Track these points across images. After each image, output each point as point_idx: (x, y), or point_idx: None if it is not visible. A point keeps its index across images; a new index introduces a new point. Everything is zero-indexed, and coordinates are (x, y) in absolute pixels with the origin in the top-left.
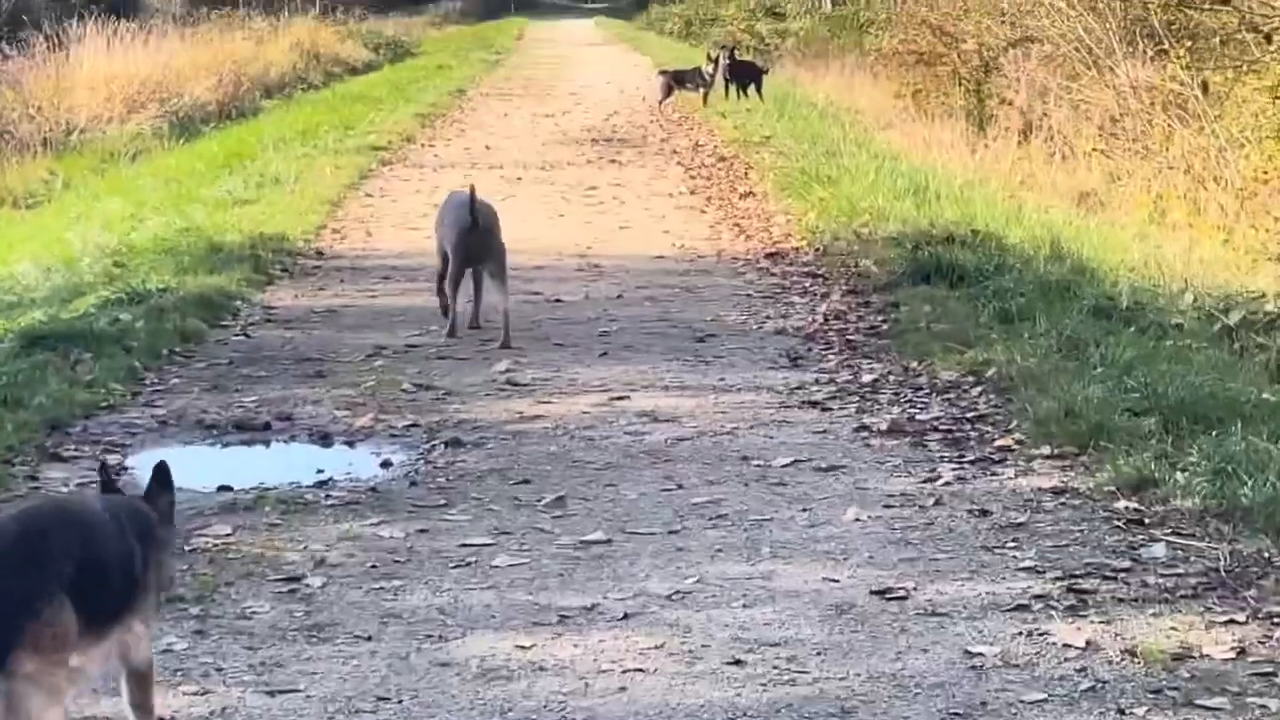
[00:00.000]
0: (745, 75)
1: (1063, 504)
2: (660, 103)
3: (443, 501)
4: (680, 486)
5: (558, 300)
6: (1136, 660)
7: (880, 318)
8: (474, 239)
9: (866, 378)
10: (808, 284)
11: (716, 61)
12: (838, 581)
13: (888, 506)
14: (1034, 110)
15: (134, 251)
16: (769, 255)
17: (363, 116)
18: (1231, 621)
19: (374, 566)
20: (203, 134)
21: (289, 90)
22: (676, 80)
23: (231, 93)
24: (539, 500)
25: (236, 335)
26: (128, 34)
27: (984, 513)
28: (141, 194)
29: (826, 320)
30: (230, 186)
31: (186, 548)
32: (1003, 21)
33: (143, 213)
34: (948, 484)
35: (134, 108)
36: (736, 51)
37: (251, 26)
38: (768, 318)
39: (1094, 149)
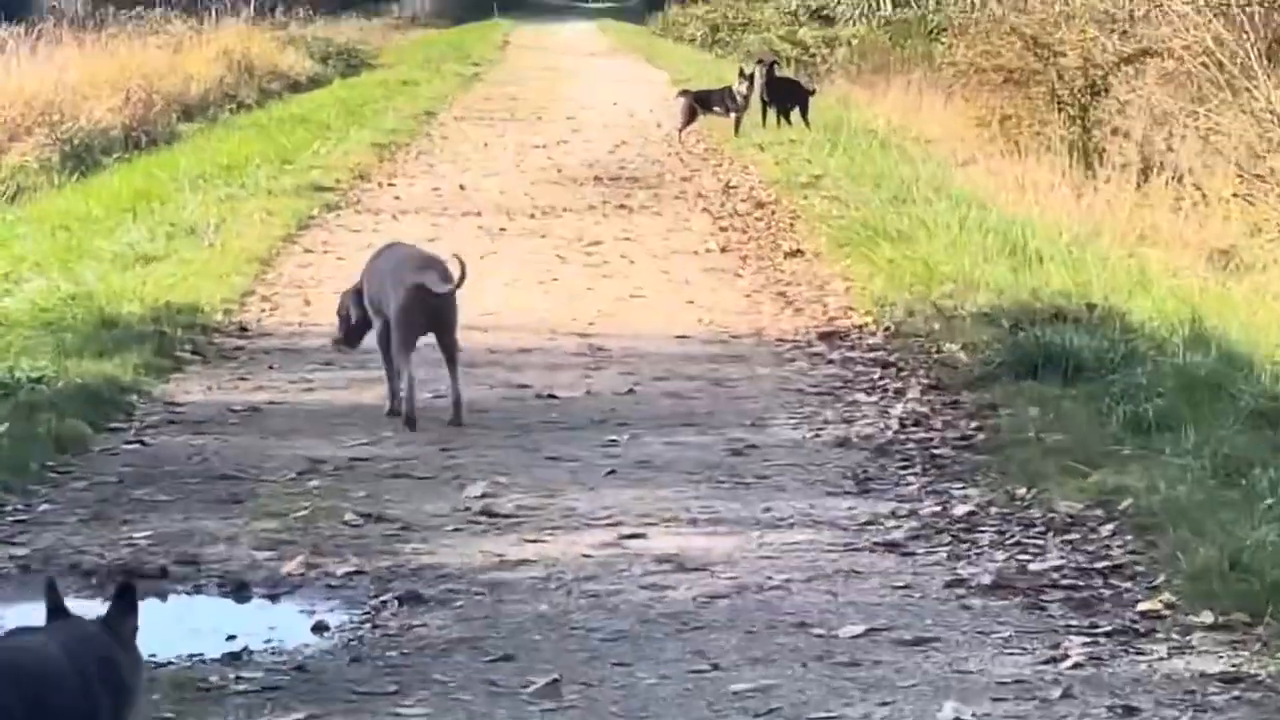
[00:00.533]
0: (787, 96)
1: (1237, 698)
2: (681, 130)
3: (394, 687)
4: (715, 667)
5: (551, 397)
6: None
7: (973, 424)
8: (429, 306)
9: (959, 509)
10: (876, 376)
11: (751, 79)
12: None
13: (998, 699)
14: (1153, 143)
15: (3, 325)
16: (824, 336)
17: (304, 146)
18: None
19: None
20: (103, 167)
21: (213, 111)
22: (701, 102)
23: (141, 115)
24: (524, 686)
25: (130, 443)
26: (10, 41)
27: (1129, 710)
28: (20, 246)
29: (903, 427)
30: (133, 237)
31: None
32: (1112, 31)
33: (19, 271)
34: (1077, 666)
35: (15, 134)
36: (776, 67)
37: (168, 31)
38: (825, 423)
39: (1232, 194)
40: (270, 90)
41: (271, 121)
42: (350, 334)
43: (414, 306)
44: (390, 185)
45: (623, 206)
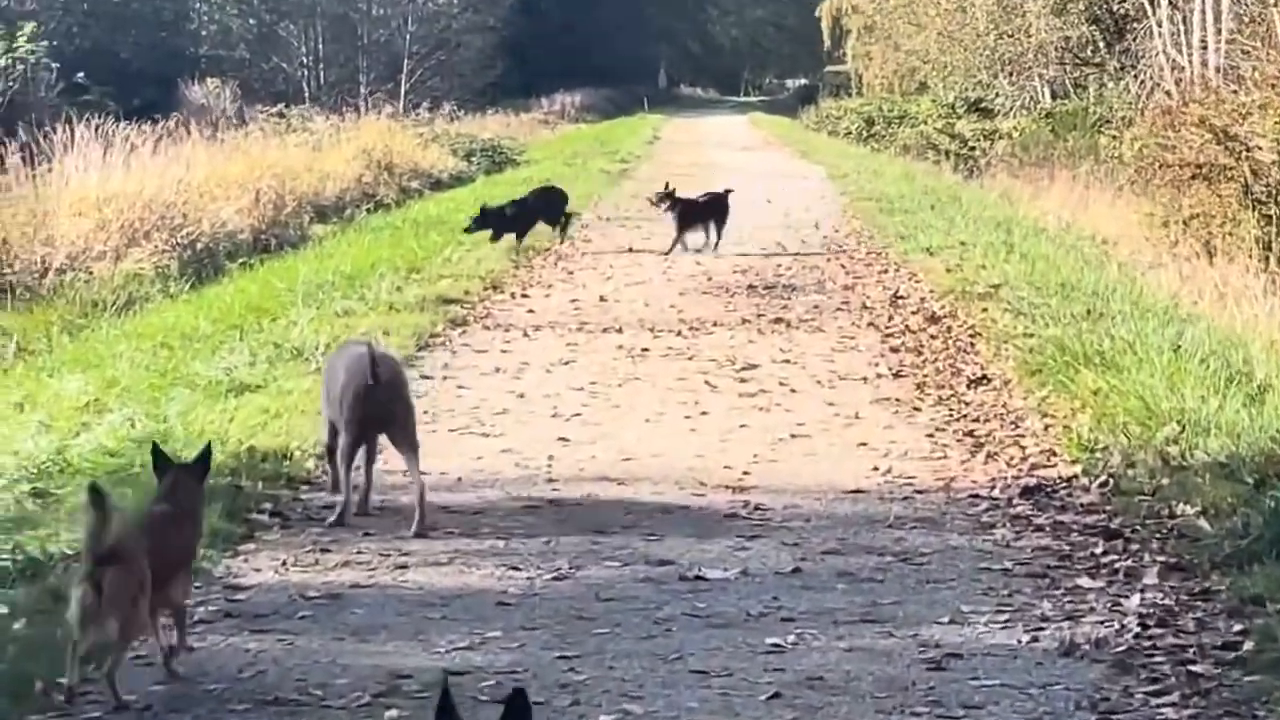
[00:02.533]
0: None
1: None
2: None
3: None
4: None
5: (699, 578)
6: None
7: (1236, 626)
8: (374, 401)
9: None
10: (1099, 550)
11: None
12: None
13: None
14: None
15: (66, 473)
16: (1027, 492)
17: (436, 251)
18: None
19: None
20: (227, 273)
21: (350, 212)
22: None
23: (271, 216)
24: None
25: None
26: (138, 140)
27: None
28: (114, 368)
29: (1145, 628)
30: (234, 361)
31: None
32: None
33: (106, 399)
34: None
35: (134, 239)
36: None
37: (309, 129)
38: (1043, 621)
39: None
40: (410, 189)
41: (406, 223)
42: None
43: (356, 404)
44: (524, 296)
45: (780, 320)
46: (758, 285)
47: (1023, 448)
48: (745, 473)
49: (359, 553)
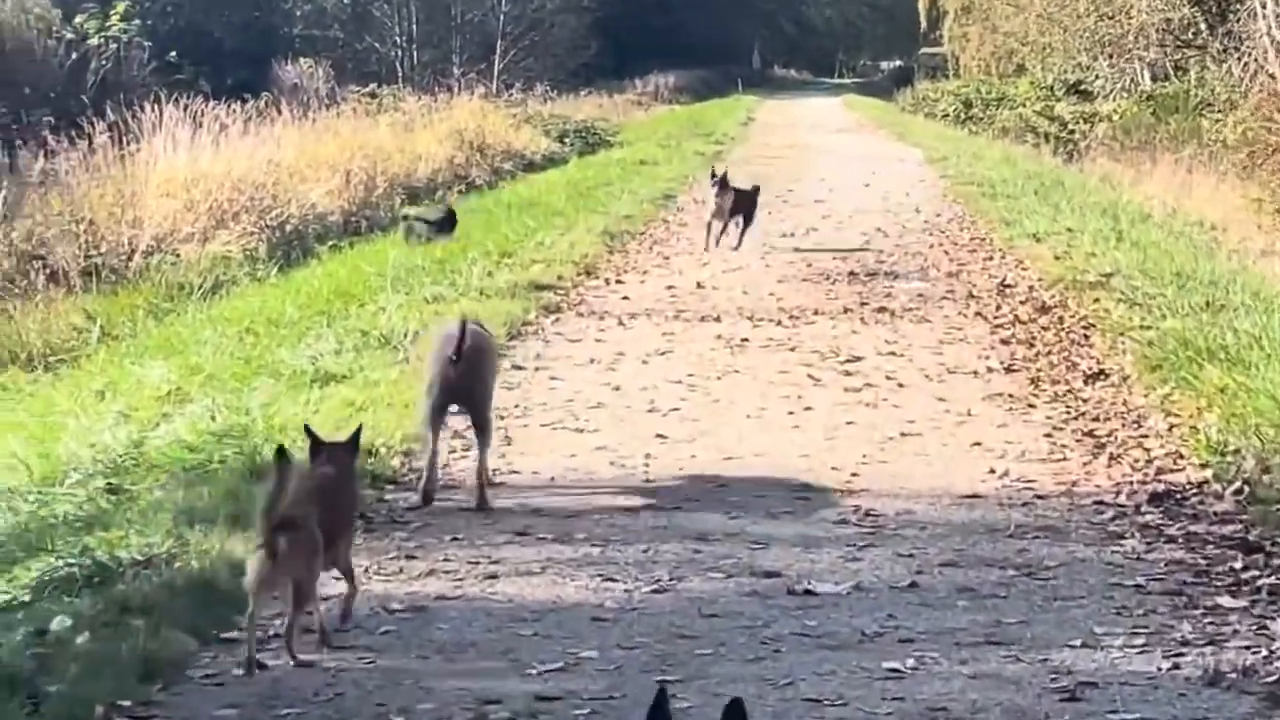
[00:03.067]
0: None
1: None
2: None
3: None
4: None
5: (808, 592)
6: None
7: None
8: (453, 375)
9: None
10: (1238, 565)
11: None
12: None
13: None
14: None
15: (141, 467)
16: (1155, 499)
17: (528, 236)
18: None
19: None
20: (316, 256)
21: (441, 193)
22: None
23: (362, 198)
24: None
25: (242, 667)
26: (228, 119)
27: None
28: (198, 355)
29: None
30: (320, 348)
31: None
32: None
33: (188, 388)
34: None
35: (222, 220)
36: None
37: (401, 109)
38: (1183, 645)
39: None
40: (503, 170)
41: (498, 205)
42: None
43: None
44: (619, 282)
45: (883, 310)
46: (859, 272)
47: (1147, 449)
48: (854, 474)
49: (446, 560)
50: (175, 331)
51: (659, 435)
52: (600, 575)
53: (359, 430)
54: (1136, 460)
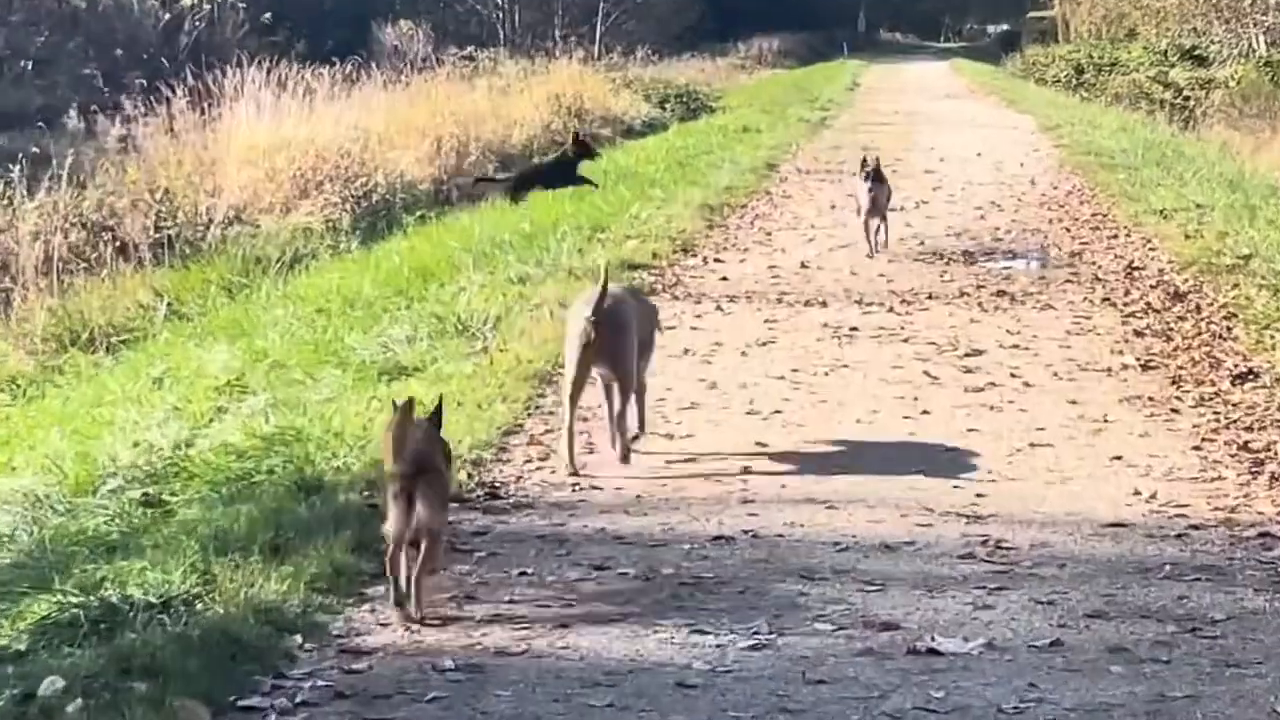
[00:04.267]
0: None
1: None
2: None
3: None
4: None
5: (932, 651)
6: None
7: None
8: (595, 337)
9: None
10: None
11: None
12: None
13: None
14: None
15: (183, 474)
16: None
17: (623, 208)
18: None
19: None
20: (402, 227)
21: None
22: None
23: (454, 166)
24: None
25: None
26: (315, 83)
27: None
28: (265, 338)
29: None
30: (394, 334)
31: None
32: None
33: (250, 376)
34: None
35: (305, 190)
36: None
37: (498, 73)
38: None
39: None
40: (601, 136)
41: (593, 174)
42: None
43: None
44: (718, 261)
45: (1002, 294)
46: (974, 251)
47: None
48: (980, 494)
49: (512, 602)
50: (246, 310)
51: (759, 444)
52: (689, 625)
53: (440, 403)
54: None
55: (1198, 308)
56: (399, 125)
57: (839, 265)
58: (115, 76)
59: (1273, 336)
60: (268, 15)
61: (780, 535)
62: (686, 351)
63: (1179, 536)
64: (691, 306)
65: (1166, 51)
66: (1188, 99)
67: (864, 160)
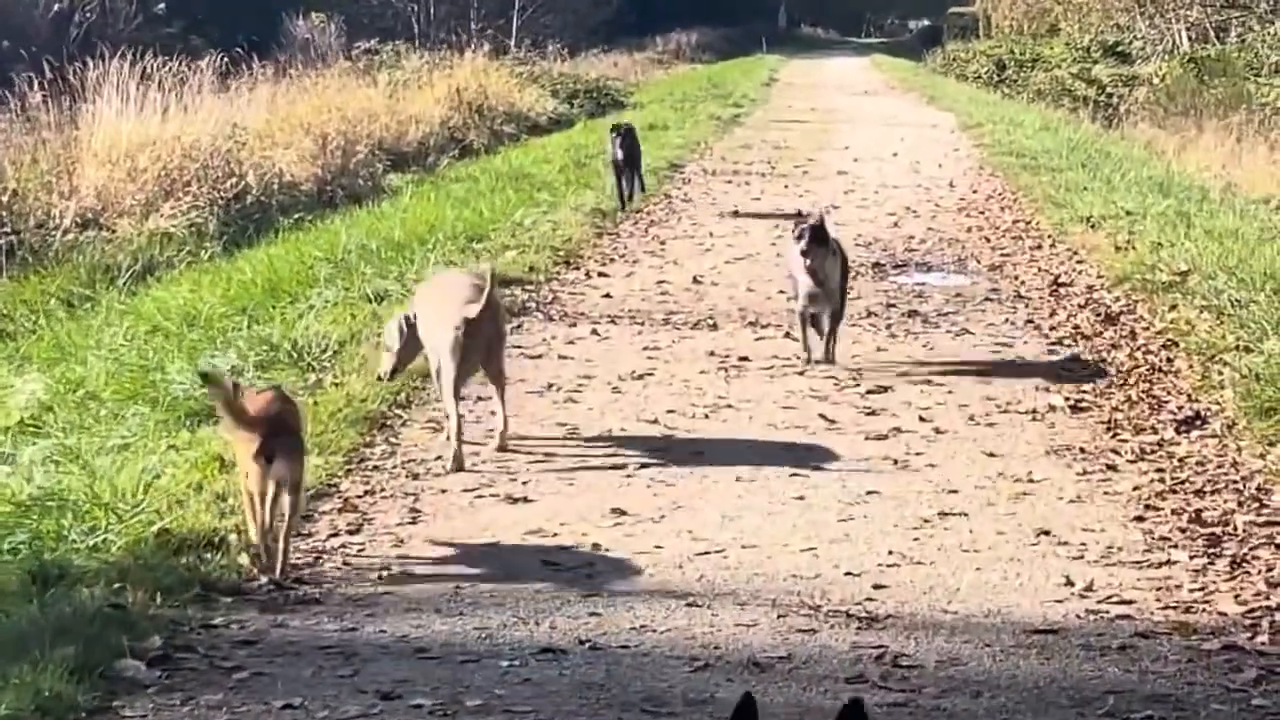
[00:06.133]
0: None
1: None
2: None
3: None
4: None
5: None
6: None
7: None
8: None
9: None
10: None
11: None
12: None
13: None
14: None
15: None
16: None
17: (507, 214)
18: None
19: None
20: (277, 231)
21: (433, 159)
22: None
23: (340, 165)
24: None
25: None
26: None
27: None
28: (84, 366)
29: None
30: (221, 363)
31: None
32: None
33: (53, 414)
34: None
35: (171, 191)
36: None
37: (400, 66)
38: None
39: None
40: (503, 133)
41: (489, 174)
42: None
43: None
44: (603, 275)
45: (914, 314)
46: (885, 264)
47: (1279, 546)
48: (877, 585)
49: None
50: (77, 329)
51: (616, 512)
52: None
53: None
54: (1271, 566)
55: (1132, 333)
56: (282, 122)
57: (735, 280)
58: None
59: (1220, 372)
60: (160, 6)
61: (625, 647)
62: (550, 387)
63: (1122, 650)
64: (565, 330)
65: (1089, 48)
66: (1111, 96)
67: (798, 215)
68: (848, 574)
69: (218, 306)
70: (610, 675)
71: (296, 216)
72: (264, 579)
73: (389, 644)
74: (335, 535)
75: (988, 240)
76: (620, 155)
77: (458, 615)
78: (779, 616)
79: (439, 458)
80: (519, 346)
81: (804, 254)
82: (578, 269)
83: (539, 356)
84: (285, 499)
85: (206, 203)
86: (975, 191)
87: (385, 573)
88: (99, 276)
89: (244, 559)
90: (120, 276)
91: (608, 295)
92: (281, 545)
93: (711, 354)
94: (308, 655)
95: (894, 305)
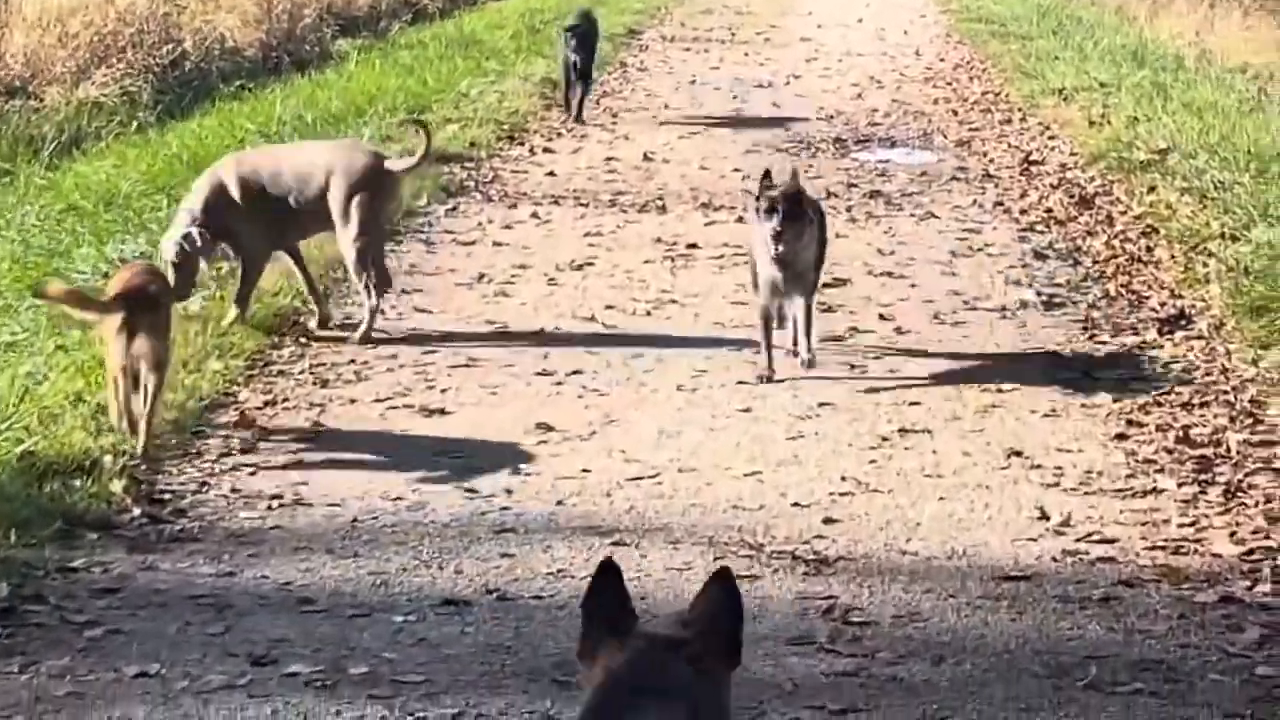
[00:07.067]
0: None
1: None
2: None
3: None
4: None
5: None
6: None
7: None
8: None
9: None
10: None
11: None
12: None
13: None
14: None
15: None
16: None
17: (452, 85)
18: None
19: None
20: (214, 99)
21: (385, 24)
22: None
23: (286, 30)
24: None
25: None
26: None
27: None
28: None
29: None
30: (127, 249)
31: None
32: None
33: None
34: None
35: (104, 58)
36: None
37: None
38: None
39: None
40: None
41: (439, 40)
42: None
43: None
44: (548, 151)
45: (876, 194)
46: (847, 139)
47: (1278, 471)
48: (827, 521)
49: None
50: None
51: (541, 428)
52: None
53: None
54: (1268, 496)
55: (1109, 219)
56: None
57: (688, 157)
58: None
59: (1204, 263)
60: None
61: (538, 598)
62: (481, 278)
63: (1105, 602)
64: (503, 212)
65: None
66: None
67: (766, 176)
68: (795, 505)
69: (139, 184)
70: (519, 635)
71: (238, 84)
72: (136, 511)
73: (269, 593)
74: (227, 455)
75: (955, 113)
76: (576, 57)
77: (352, 557)
78: (716, 559)
79: (352, 360)
80: (451, 232)
81: (776, 238)
82: (522, 144)
83: (473, 243)
84: (150, 379)
85: (141, 70)
86: (942, 60)
87: (276, 502)
88: (21, 149)
89: (116, 486)
90: (44, 149)
91: (551, 173)
92: (144, 424)
93: (658, 240)
94: (175, 607)
95: (855, 185)
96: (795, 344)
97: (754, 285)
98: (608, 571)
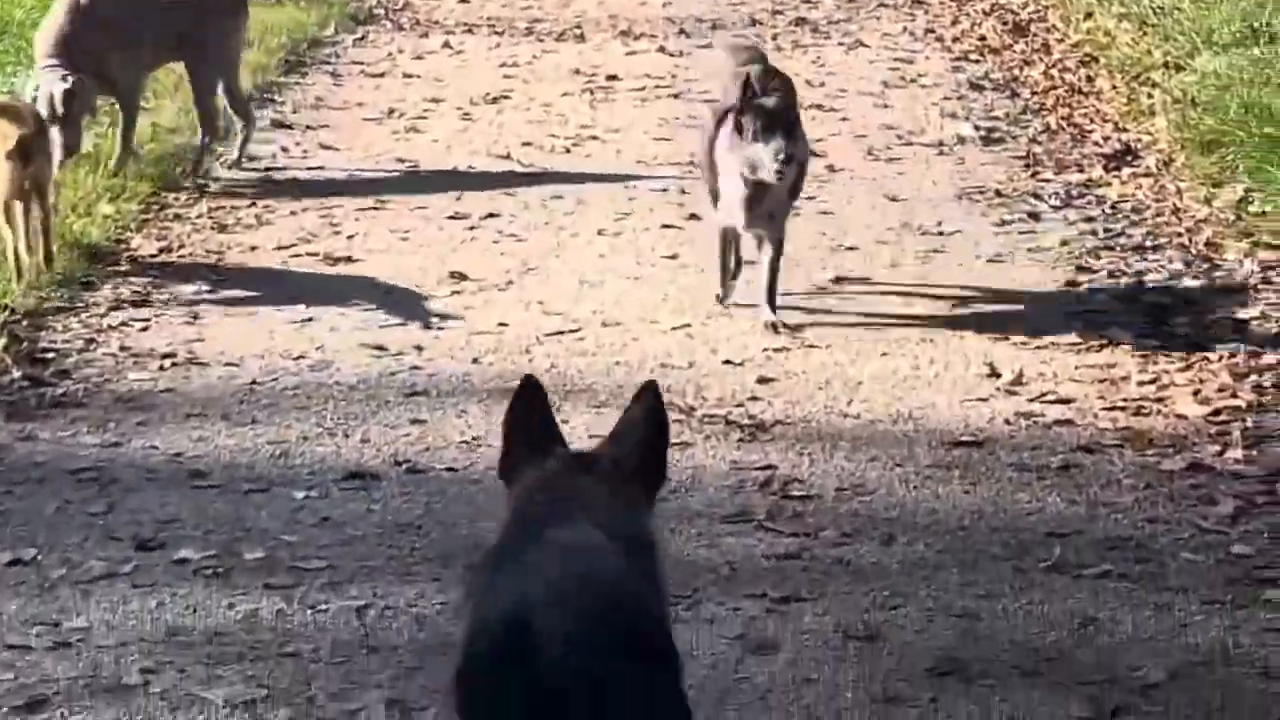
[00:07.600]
0: None
1: None
2: None
3: None
4: None
5: None
6: None
7: None
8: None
9: None
10: None
11: None
12: None
13: None
14: None
15: None
16: None
17: None
18: None
19: None
20: None
21: None
22: None
23: None
24: None
25: None
26: None
27: None
28: None
29: None
30: (19, 83)
31: None
32: None
33: None
34: None
35: None
36: None
37: None
38: None
39: None
40: None
41: None
42: None
43: None
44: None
45: (802, 22)
46: None
47: (1241, 322)
48: (762, 380)
49: None
50: None
51: (455, 277)
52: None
53: None
54: (1232, 351)
55: (1046, 47)
56: None
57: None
58: None
59: (1149, 94)
60: None
61: (451, 470)
62: (391, 113)
63: (1064, 471)
64: (414, 42)
65: None
66: None
67: (747, 84)
68: (727, 362)
69: (34, 11)
70: (430, 512)
71: None
72: (15, 373)
73: (159, 466)
74: (117, 309)
75: None
76: None
77: (249, 424)
78: None
79: (253, 204)
80: (359, 63)
81: (786, 161)
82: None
83: (382, 75)
84: (39, 206)
85: None
86: None
87: (169, 361)
88: None
89: None
90: None
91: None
92: (44, 240)
93: (577, 72)
94: (54, 483)
95: (780, 11)
96: (766, 297)
97: (713, 202)
98: (529, 388)
